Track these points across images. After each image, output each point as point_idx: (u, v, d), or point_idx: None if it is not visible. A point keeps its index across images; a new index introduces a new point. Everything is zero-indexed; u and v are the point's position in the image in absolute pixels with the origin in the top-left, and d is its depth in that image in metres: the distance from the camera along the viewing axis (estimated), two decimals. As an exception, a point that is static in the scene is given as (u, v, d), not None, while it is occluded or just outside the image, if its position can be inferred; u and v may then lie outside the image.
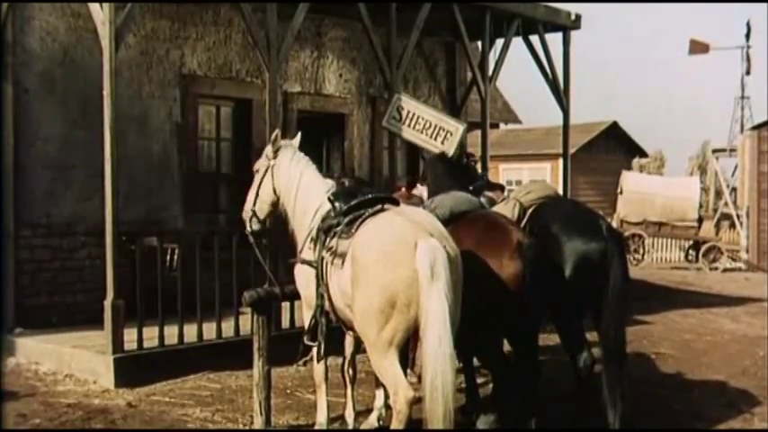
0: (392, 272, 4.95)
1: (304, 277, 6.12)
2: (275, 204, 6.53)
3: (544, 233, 6.25)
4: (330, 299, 5.69)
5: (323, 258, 5.72)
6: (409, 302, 4.92)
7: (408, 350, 5.25)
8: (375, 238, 5.18)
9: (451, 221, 6.00)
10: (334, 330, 5.99)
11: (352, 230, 5.45)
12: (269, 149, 6.53)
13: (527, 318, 5.79)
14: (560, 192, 6.93)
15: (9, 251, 9.35)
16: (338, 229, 5.62)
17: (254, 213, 6.59)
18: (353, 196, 5.83)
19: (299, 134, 6.79)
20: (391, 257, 4.99)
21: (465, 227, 5.93)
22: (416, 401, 4.99)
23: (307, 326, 6.08)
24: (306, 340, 6.08)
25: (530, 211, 6.64)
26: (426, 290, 4.85)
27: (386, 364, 5.07)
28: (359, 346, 6.26)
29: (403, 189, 9.13)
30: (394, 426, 5.05)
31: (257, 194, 6.56)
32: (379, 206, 5.63)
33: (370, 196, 5.79)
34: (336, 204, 5.86)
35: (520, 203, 6.70)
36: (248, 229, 6.67)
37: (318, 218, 6.04)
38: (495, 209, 6.74)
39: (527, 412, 5.96)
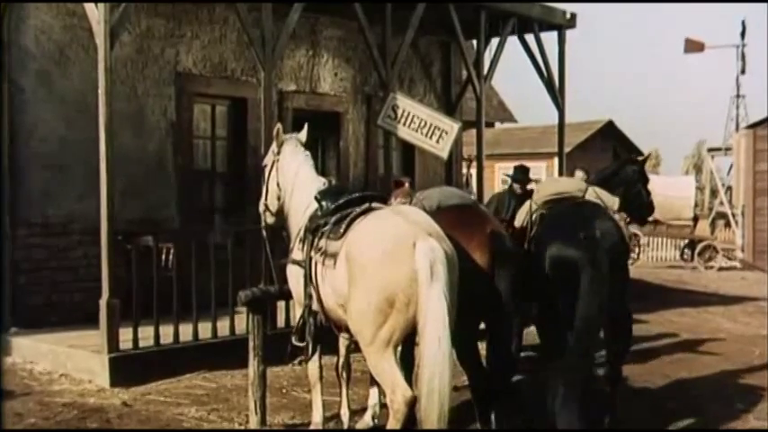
0: (392, 271, 4.93)
1: (295, 277, 6.10)
2: (281, 199, 6.55)
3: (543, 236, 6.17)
4: (320, 299, 5.67)
5: (311, 258, 5.71)
6: (408, 302, 4.91)
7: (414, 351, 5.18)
8: (373, 237, 5.15)
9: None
10: (328, 329, 5.96)
11: (341, 230, 5.43)
12: (274, 144, 6.56)
13: (501, 313, 5.76)
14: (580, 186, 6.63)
15: (5, 251, 9.33)
16: (326, 229, 5.61)
17: (267, 208, 6.65)
18: (340, 195, 5.81)
19: (306, 127, 6.77)
20: (391, 256, 4.96)
21: (446, 213, 5.87)
22: (415, 401, 4.96)
23: (295, 326, 6.08)
24: (294, 341, 6.08)
25: (539, 211, 6.53)
26: (425, 290, 4.84)
27: (383, 364, 5.06)
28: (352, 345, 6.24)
29: (406, 185, 9.12)
30: (392, 425, 5.03)
31: (267, 189, 6.60)
32: (367, 205, 5.62)
33: (356, 195, 5.78)
34: (323, 203, 5.85)
35: (531, 203, 6.69)
36: (263, 222, 6.75)
37: (306, 217, 6.03)
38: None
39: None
